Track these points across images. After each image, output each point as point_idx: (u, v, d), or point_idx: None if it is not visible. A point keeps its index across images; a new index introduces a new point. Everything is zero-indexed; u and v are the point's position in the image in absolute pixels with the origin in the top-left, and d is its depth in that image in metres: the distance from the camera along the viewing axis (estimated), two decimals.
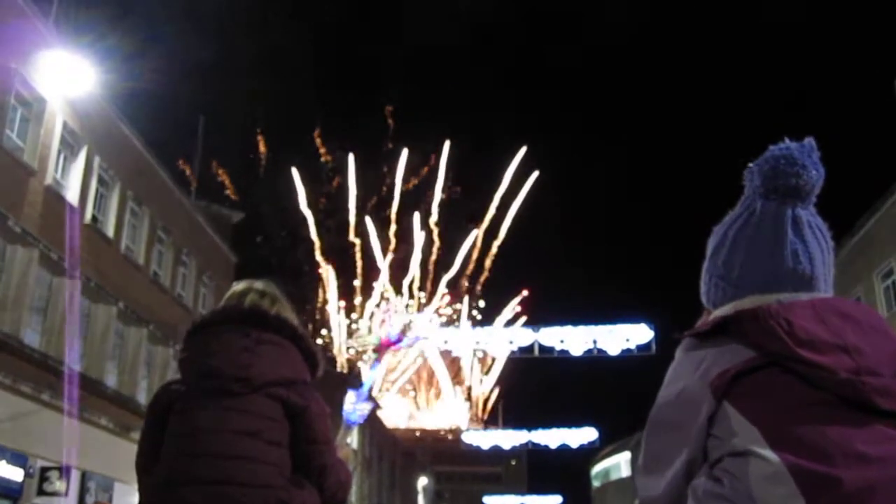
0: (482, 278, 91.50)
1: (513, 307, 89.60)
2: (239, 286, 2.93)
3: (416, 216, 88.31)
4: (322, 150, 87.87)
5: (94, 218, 20.14)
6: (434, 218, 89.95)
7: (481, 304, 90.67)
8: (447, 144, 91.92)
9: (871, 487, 1.41)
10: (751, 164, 1.77)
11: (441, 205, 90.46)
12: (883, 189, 24.91)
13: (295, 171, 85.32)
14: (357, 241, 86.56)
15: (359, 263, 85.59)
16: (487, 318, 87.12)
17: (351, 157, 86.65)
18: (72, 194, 18.91)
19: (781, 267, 1.71)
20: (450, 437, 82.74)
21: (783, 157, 1.70)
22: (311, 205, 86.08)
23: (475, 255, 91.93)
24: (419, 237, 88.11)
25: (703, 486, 1.57)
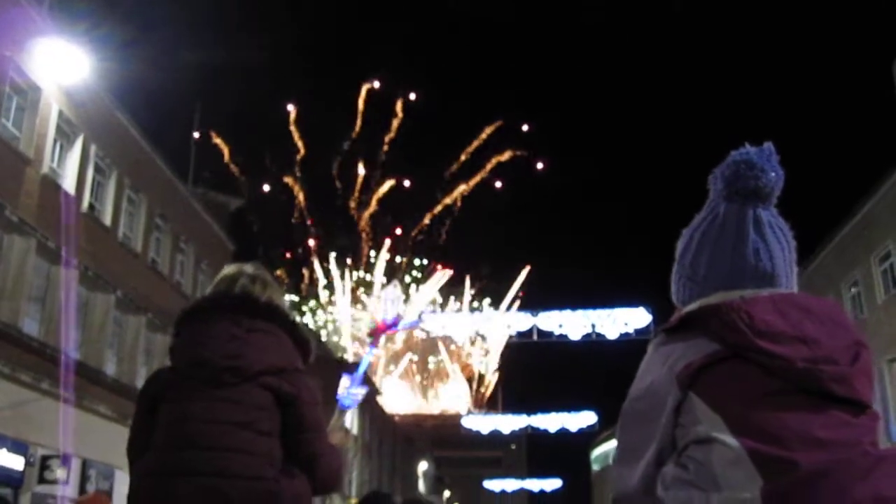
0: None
1: (514, 292, 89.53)
2: (229, 270, 2.89)
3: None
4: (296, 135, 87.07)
5: (91, 206, 20.13)
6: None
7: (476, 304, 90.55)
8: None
9: (826, 469, 1.49)
10: (714, 170, 1.86)
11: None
12: (881, 172, 24.92)
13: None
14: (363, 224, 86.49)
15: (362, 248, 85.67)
16: (488, 299, 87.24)
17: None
18: (68, 183, 18.90)
19: (744, 265, 1.80)
20: (449, 421, 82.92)
21: (743, 161, 1.80)
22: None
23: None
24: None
25: (670, 472, 1.66)
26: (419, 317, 55.15)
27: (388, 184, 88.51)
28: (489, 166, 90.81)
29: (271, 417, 2.58)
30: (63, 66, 17.83)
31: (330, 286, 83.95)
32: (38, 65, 17.46)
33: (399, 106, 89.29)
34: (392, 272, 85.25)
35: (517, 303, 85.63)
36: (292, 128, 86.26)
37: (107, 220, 20.81)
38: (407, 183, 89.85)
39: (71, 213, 18.09)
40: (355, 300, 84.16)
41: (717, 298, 1.76)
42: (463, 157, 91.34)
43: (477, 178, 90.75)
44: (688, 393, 1.67)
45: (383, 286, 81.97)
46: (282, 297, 2.88)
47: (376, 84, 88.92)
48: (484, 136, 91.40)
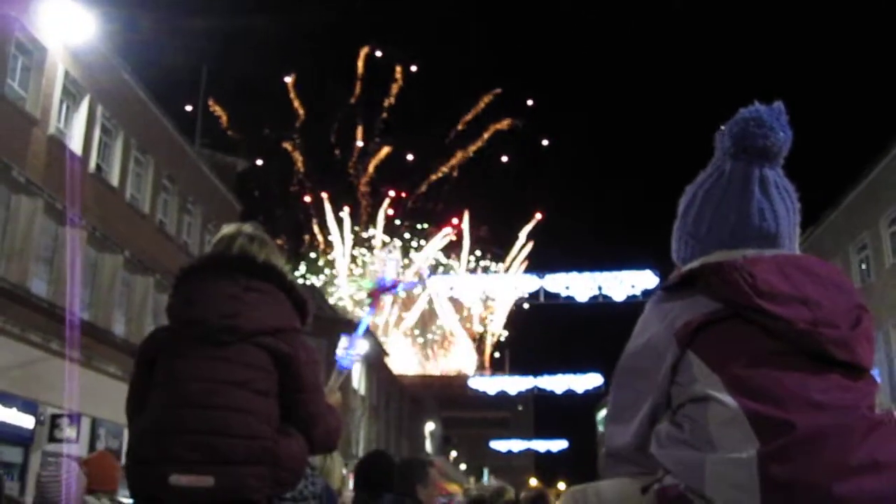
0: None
1: (519, 251, 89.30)
2: (227, 230, 2.86)
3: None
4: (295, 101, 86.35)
5: (98, 167, 20.11)
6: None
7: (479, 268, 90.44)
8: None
9: (823, 433, 1.48)
10: (721, 127, 1.82)
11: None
12: (891, 134, 24.72)
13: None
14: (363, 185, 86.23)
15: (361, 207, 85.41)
16: (493, 264, 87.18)
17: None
18: (75, 143, 18.86)
19: (748, 224, 1.78)
20: (456, 382, 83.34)
21: (752, 119, 1.76)
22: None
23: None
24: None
25: (665, 430, 1.65)
26: (419, 277, 55.04)
27: (386, 150, 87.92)
28: (487, 135, 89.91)
29: (268, 377, 2.56)
30: (69, 26, 17.74)
31: (329, 245, 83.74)
32: (43, 25, 17.36)
33: (399, 72, 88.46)
34: (392, 232, 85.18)
35: (524, 264, 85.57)
36: (292, 95, 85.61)
37: (114, 180, 20.80)
38: (409, 155, 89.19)
39: (77, 174, 18.08)
40: (354, 260, 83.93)
41: (719, 257, 1.74)
42: (461, 127, 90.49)
43: (478, 144, 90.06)
44: (686, 351, 1.64)
45: (383, 245, 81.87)
46: (280, 257, 2.85)
47: (378, 53, 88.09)
48: (483, 105, 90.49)
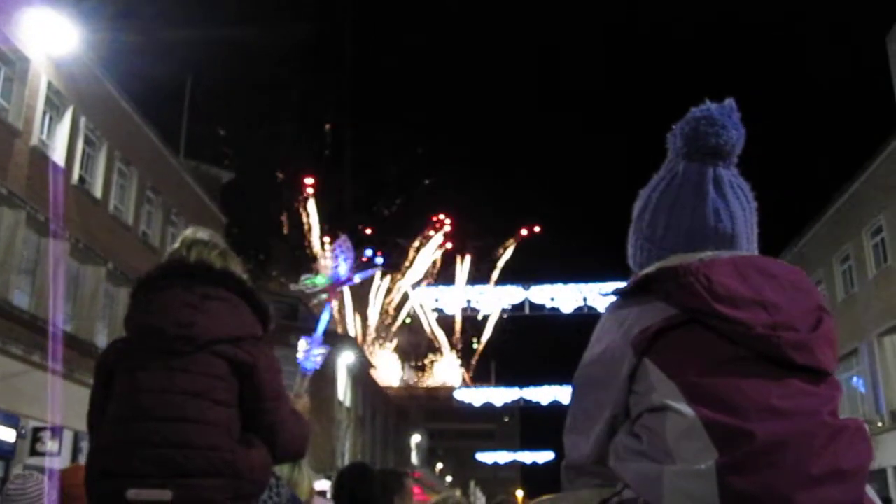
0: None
1: (506, 256, 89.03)
2: (185, 236, 2.81)
3: None
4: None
5: (81, 179, 20.00)
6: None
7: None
8: None
9: (783, 440, 1.44)
10: (673, 127, 1.79)
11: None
12: (874, 146, 24.93)
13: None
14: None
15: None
16: (479, 272, 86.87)
17: None
18: (58, 155, 18.76)
19: (703, 225, 1.74)
20: (442, 394, 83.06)
21: (703, 117, 1.74)
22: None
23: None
24: None
25: (622, 442, 1.60)
26: (374, 264, 54.69)
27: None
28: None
29: (228, 387, 2.52)
30: (52, 37, 17.66)
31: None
32: (26, 35, 17.28)
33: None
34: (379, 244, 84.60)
35: (508, 275, 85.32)
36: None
37: (97, 192, 20.70)
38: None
39: (60, 186, 17.98)
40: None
41: (676, 260, 1.69)
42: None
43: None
44: (643, 359, 1.59)
45: (333, 239, 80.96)
46: (239, 265, 2.80)
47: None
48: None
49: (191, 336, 2.53)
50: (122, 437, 2.46)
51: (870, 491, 1.51)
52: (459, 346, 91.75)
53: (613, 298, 1.76)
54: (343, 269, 4.56)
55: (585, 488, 1.72)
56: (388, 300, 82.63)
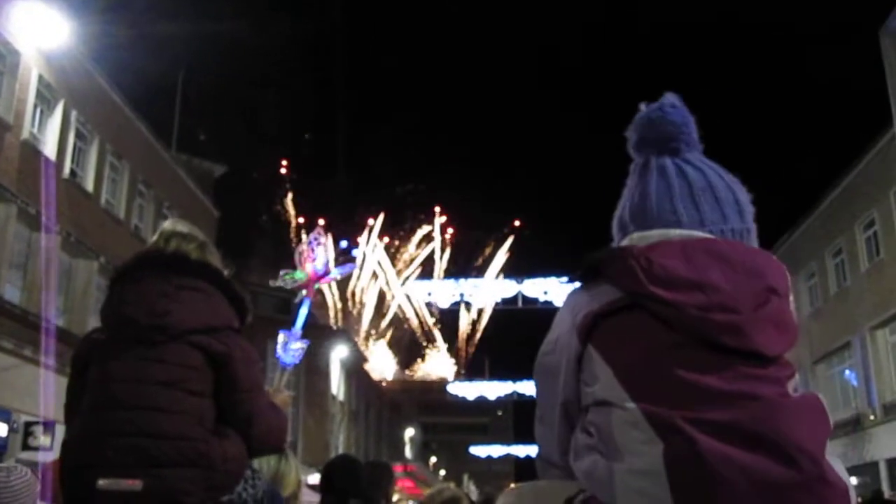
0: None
1: (503, 254, 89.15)
2: (163, 228, 2.81)
3: None
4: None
5: (72, 172, 19.93)
6: None
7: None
8: None
9: (728, 426, 1.42)
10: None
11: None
12: (866, 140, 24.95)
13: None
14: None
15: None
16: (467, 264, 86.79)
17: None
18: (49, 149, 18.68)
19: (650, 209, 1.77)
20: (436, 387, 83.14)
21: (649, 111, 1.86)
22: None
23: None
24: None
25: (578, 439, 1.60)
26: (353, 258, 54.42)
27: None
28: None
29: (202, 377, 2.51)
30: (43, 30, 17.58)
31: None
32: (17, 28, 17.19)
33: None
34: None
35: (501, 269, 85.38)
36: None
37: (89, 186, 20.63)
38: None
39: (51, 180, 17.93)
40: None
41: (626, 242, 1.73)
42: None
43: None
44: (587, 345, 1.59)
45: (306, 235, 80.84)
46: (217, 258, 2.79)
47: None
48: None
49: (165, 326, 2.52)
50: (95, 427, 2.44)
51: (836, 464, 1.46)
52: (452, 340, 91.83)
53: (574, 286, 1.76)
54: (320, 262, 4.55)
55: (557, 479, 1.70)
56: (380, 294, 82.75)
